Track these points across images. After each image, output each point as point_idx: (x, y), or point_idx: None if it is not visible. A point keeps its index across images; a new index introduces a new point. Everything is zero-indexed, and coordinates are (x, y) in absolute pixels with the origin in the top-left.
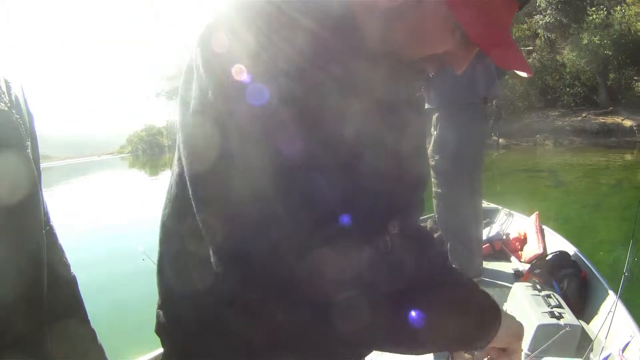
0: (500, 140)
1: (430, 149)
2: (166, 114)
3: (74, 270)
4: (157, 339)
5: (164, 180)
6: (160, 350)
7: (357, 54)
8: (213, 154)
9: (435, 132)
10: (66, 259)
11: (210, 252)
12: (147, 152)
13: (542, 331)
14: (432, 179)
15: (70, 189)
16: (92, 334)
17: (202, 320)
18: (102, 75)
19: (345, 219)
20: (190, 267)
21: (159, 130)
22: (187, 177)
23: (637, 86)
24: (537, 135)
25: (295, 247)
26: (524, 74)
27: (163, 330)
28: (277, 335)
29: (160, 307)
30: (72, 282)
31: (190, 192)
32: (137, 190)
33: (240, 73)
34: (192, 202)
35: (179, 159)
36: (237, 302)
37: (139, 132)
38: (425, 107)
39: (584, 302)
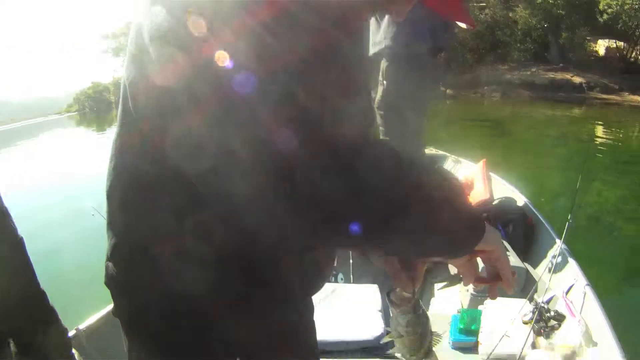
0: (448, 91)
1: (378, 97)
2: (112, 71)
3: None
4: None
5: (110, 136)
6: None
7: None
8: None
9: (384, 82)
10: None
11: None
12: (94, 109)
13: None
14: (379, 127)
15: (16, 153)
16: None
17: (155, 271)
18: (46, 34)
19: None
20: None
21: (106, 87)
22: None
23: (589, 46)
24: (485, 87)
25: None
26: (463, 25)
27: (112, 281)
28: None
29: (109, 258)
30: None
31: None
32: (84, 148)
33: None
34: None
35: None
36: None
37: (85, 90)
38: (371, 52)
39: (529, 247)
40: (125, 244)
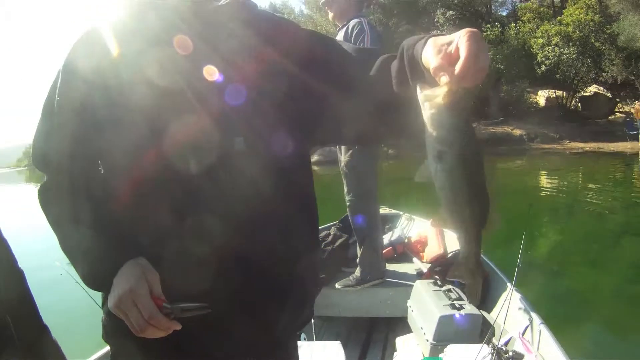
0: (390, 150)
1: (344, 159)
2: None
3: None
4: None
5: None
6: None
7: None
8: None
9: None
10: None
11: None
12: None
13: (444, 322)
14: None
15: None
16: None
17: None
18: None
19: None
20: None
21: None
22: None
23: (529, 98)
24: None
25: None
26: None
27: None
28: None
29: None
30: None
31: None
32: (33, 207)
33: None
34: None
35: None
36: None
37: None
38: None
39: (484, 294)
40: None
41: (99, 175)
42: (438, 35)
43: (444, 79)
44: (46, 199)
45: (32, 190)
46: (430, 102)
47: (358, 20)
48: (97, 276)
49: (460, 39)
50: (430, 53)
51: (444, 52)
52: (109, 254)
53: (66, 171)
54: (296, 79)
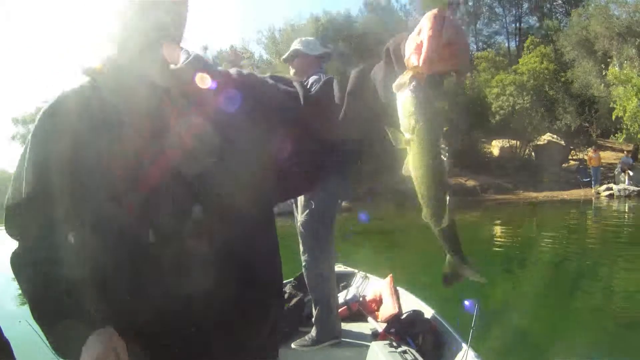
0: (344, 203)
1: (301, 219)
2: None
3: None
4: None
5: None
6: None
7: None
8: None
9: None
10: None
11: None
12: None
13: None
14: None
15: None
16: None
17: None
18: None
19: None
20: None
21: (10, 177)
22: None
23: (484, 147)
24: (379, 199)
25: None
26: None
27: None
28: None
29: None
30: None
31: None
32: None
33: None
34: None
35: None
36: None
37: None
38: None
39: (439, 355)
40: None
41: (66, 243)
42: None
43: (412, 61)
44: (17, 266)
45: None
46: (398, 89)
47: (317, 76)
48: (66, 347)
49: (422, 23)
50: (406, 45)
51: (415, 41)
52: (77, 325)
53: (33, 241)
54: (260, 139)
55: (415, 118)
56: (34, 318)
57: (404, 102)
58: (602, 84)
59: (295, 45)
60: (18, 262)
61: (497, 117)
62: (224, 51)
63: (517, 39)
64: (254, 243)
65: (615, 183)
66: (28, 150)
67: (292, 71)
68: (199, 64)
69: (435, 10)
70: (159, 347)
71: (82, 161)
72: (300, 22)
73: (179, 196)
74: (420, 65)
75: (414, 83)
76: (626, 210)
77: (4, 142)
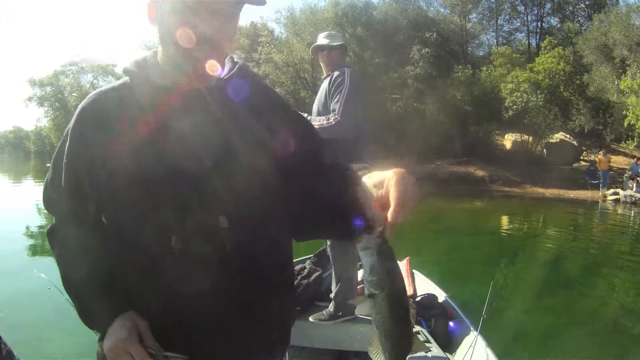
0: None
1: None
2: (35, 120)
3: None
4: None
5: (27, 189)
6: None
7: None
8: None
9: None
10: None
11: None
12: (13, 155)
13: None
14: None
15: None
16: None
17: None
18: None
19: None
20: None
21: (27, 134)
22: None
23: (495, 140)
24: None
25: None
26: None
27: None
28: None
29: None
30: None
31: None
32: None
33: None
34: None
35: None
36: None
37: (6, 134)
38: None
39: (450, 338)
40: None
41: (100, 225)
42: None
43: (376, 229)
44: (52, 240)
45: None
46: (365, 251)
47: (341, 71)
48: (93, 323)
49: (389, 185)
50: (367, 201)
51: (378, 197)
52: (101, 300)
53: (68, 222)
54: (283, 158)
55: (380, 276)
56: (65, 288)
57: (371, 263)
58: (617, 91)
59: (322, 40)
60: (52, 237)
61: (510, 112)
62: (242, 28)
63: (537, 38)
64: (270, 246)
65: (622, 189)
66: (68, 141)
67: (321, 62)
68: (245, 73)
69: (400, 174)
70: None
71: (113, 158)
72: (319, 5)
73: (205, 199)
74: (385, 229)
75: (377, 244)
76: (631, 216)
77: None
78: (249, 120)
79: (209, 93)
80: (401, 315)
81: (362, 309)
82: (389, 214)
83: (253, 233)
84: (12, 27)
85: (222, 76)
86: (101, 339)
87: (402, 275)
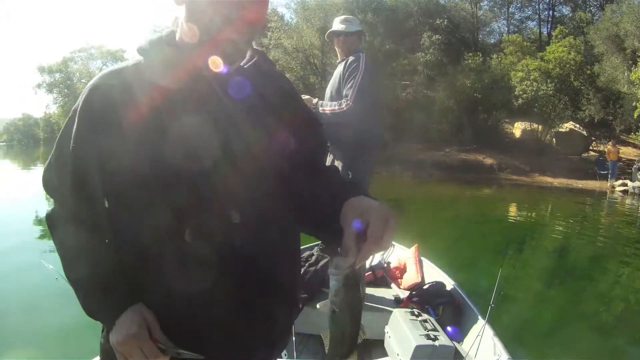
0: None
1: None
2: (44, 106)
3: None
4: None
5: (36, 175)
6: None
7: None
8: None
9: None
10: None
11: None
12: (23, 142)
13: (420, 351)
14: None
15: None
16: None
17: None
18: None
19: None
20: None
21: (36, 122)
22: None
23: (506, 128)
24: (397, 166)
25: None
26: None
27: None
28: None
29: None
30: None
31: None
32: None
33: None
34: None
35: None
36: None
37: (16, 121)
38: None
39: (457, 327)
40: None
41: (105, 217)
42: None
43: (350, 258)
44: (52, 225)
45: (7, 167)
46: (334, 274)
47: (356, 56)
48: (98, 314)
49: (369, 219)
50: (346, 229)
51: (356, 230)
52: (111, 299)
53: (69, 212)
54: (294, 153)
55: (342, 303)
56: (65, 274)
57: (337, 288)
58: (628, 82)
59: (338, 26)
60: (52, 222)
61: (520, 101)
62: None
63: (548, 27)
64: (279, 247)
65: (631, 180)
66: (76, 122)
67: (337, 49)
68: (265, 64)
69: (385, 217)
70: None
71: (125, 147)
72: None
73: (219, 193)
74: (355, 262)
75: (346, 275)
76: (639, 207)
77: (29, 90)
78: (262, 112)
79: (224, 80)
80: (353, 335)
81: (322, 306)
82: (362, 250)
83: (263, 230)
84: (20, 18)
85: (241, 64)
86: (106, 331)
87: (361, 305)
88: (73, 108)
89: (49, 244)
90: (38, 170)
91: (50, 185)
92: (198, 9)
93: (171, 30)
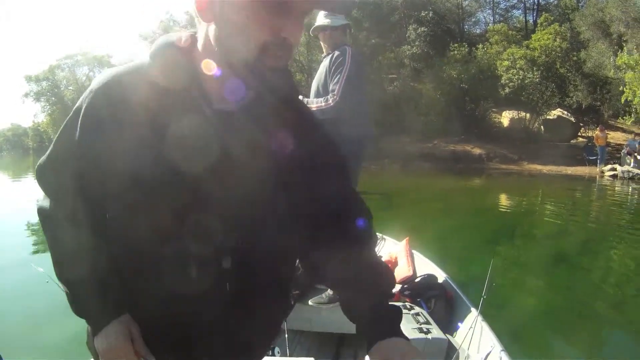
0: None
1: None
2: (32, 116)
3: None
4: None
5: (27, 185)
6: None
7: None
8: None
9: None
10: None
11: None
12: (11, 152)
13: (413, 345)
14: None
15: None
16: None
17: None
18: None
19: None
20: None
21: (25, 131)
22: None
23: (494, 117)
24: (385, 159)
25: None
26: None
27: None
28: None
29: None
30: None
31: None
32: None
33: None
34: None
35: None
36: None
37: (4, 132)
38: None
39: (449, 319)
40: None
41: (101, 220)
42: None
43: None
44: (45, 221)
45: (6, 181)
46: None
47: (342, 50)
48: (83, 314)
49: None
50: None
51: None
52: (101, 306)
53: (67, 207)
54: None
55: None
56: (55, 273)
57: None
58: (614, 67)
59: (323, 20)
60: (44, 218)
61: (507, 90)
62: None
63: (534, 15)
64: (278, 253)
65: (620, 164)
66: (79, 122)
67: (322, 44)
68: (285, 87)
69: None
70: (160, 345)
71: (129, 151)
72: None
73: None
74: None
75: None
76: (629, 192)
77: (17, 99)
78: (281, 142)
79: (233, 117)
80: None
81: None
82: None
83: (260, 244)
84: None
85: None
86: (92, 332)
87: None
88: (75, 108)
89: (41, 250)
90: (28, 180)
91: (45, 181)
92: (227, 28)
93: (180, 36)
